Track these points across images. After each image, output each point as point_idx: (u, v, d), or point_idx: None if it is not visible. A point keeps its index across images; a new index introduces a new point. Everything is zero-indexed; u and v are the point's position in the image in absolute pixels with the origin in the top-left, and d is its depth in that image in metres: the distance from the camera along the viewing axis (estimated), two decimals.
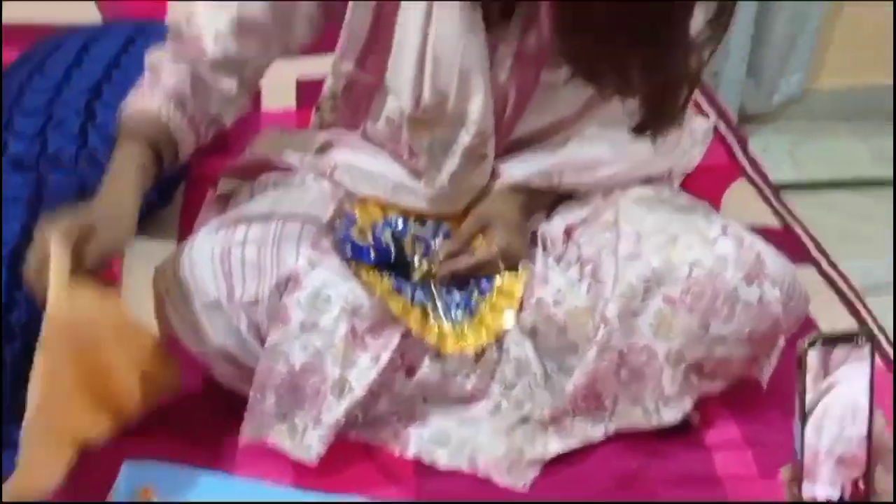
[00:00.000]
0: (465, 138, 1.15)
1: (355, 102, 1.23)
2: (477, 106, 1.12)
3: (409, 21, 1.10)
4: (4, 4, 1.65)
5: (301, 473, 1.05)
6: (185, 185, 1.45)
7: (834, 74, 2.64)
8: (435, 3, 1.08)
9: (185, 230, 1.35)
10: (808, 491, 0.72)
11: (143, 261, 1.23)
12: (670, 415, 1.09)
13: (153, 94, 1.14)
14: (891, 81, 2.61)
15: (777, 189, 1.62)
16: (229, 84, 1.18)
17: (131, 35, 1.47)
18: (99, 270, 1.02)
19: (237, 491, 1.03)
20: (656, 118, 1.08)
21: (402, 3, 1.10)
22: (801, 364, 0.71)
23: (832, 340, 0.72)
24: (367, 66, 1.18)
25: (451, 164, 1.17)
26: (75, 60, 1.39)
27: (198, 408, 1.12)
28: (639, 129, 1.10)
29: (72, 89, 1.35)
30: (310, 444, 1.04)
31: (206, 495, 1.01)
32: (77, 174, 1.28)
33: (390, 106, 1.16)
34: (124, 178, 1.10)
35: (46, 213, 1.16)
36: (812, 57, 2.54)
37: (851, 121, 2.66)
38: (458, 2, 1.07)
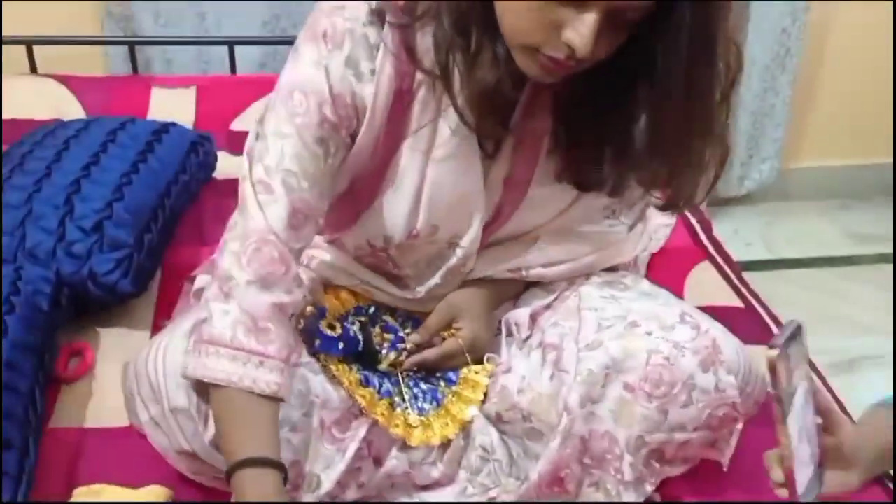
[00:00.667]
0: (452, 261, 1.18)
1: (338, 218, 1.21)
2: (470, 236, 1.16)
3: (409, 161, 1.10)
4: None
5: None
6: (161, 275, 1.48)
7: (805, 157, 2.72)
8: (436, 143, 1.08)
9: (159, 321, 1.38)
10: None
11: (116, 350, 1.25)
12: (631, 498, 1.11)
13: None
14: (860, 161, 2.69)
15: (739, 270, 1.66)
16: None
17: (113, 130, 1.52)
18: None
19: None
20: (676, 203, 1.12)
21: (405, 143, 1.08)
22: (774, 373, 0.82)
23: (787, 343, 0.84)
24: (358, 187, 1.14)
25: (433, 280, 1.21)
26: (55, 157, 1.44)
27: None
28: (662, 209, 1.15)
29: (52, 185, 1.39)
30: None
31: None
32: (54, 267, 1.31)
33: (374, 231, 1.15)
34: None
35: (22, 306, 1.19)
36: (784, 144, 2.61)
37: (821, 200, 2.73)
38: (456, 141, 1.07)
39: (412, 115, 1.07)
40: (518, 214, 1.18)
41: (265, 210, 1.03)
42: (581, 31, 0.91)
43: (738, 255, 1.77)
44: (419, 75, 1.04)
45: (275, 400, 1.01)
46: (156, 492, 1.10)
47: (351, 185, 1.14)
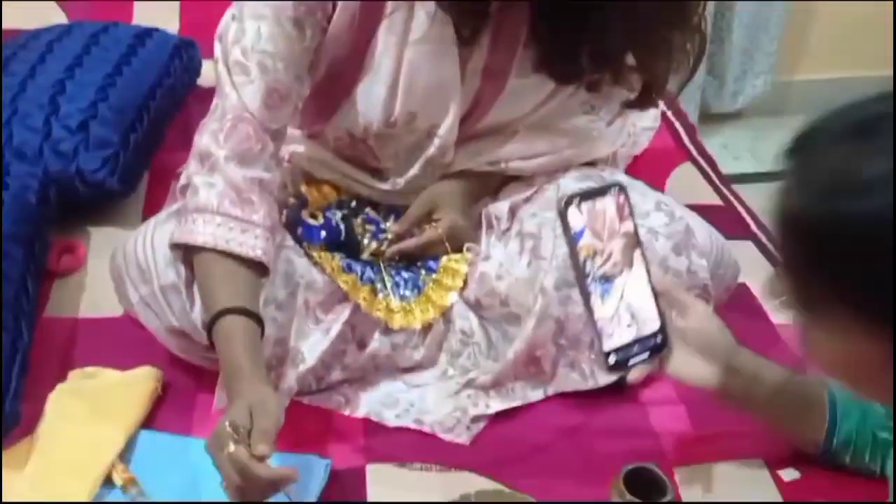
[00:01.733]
0: (430, 150, 1.20)
1: (318, 109, 1.24)
2: (447, 124, 1.17)
3: (385, 46, 1.11)
4: None
5: None
6: (149, 177, 1.50)
7: (799, 71, 2.70)
8: (412, 28, 1.09)
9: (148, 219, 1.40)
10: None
11: (107, 247, 1.28)
12: (605, 377, 1.14)
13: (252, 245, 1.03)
14: (853, 74, 2.68)
15: (720, 172, 1.68)
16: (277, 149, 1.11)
17: (95, 34, 1.53)
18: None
19: (201, 451, 1.06)
20: (646, 99, 1.15)
21: (381, 27, 1.10)
22: (563, 221, 0.85)
23: (589, 196, 0.86)
24: (337, 78, 1.16)
25: (413, 170, 1.23)
26: (39, 59, 1.45)
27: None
28: (629, 106, 1.18)
29: (36, 86, 1.40)
30: None
31: (174, 458, 1.06)
32: (41, 165, 1.33)
33: (353, 120, 1.17)
34: (253, 374, 0.98)
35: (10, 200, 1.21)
36: (777, 59, 2.59)
37: (811, 114, 2.73)
38: (433, 27, 1.08)
39: None
40: (497, 106, 1.20)
41: (241, 90, 1.06)
42: None
43: (725, 168, 1.78)
44: None
45: (258, 268, 1.04)
46: (147, 373, 1.14)
47: (329, 72, 1.15)
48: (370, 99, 1.14)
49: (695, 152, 1.72)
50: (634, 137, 1.57)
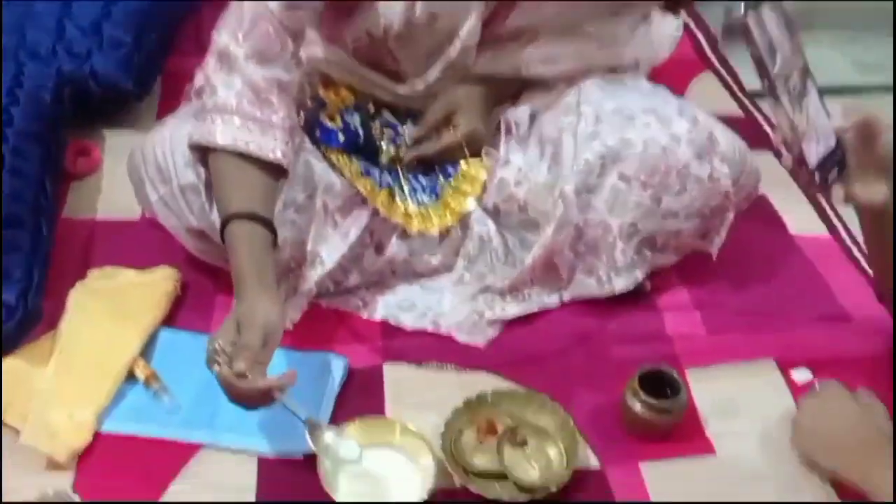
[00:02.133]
0: (451, 53, 1.17)
1: (337, 10, 1.20)
2: (468, 25, 1.14)
3: None
4: None
5: None
6: (162, 81, 1.49)
7: None
8: None
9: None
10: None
11: (123, 150, 1.27)
12: (621, 284, 1.15)
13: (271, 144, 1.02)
14: None
15: (741, 83, 1.66)
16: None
17: None
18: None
19: None
20: None
21: None
22: (747, 34, 0.82)
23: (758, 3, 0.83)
24: None
25: (433, 74, 1.20)
26: None
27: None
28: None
29: None
30: (287, 311, 1.10)
31: (193, 355, 1.06)
32: (55, 65, 1.32)
33: (374, 21, 1.16)
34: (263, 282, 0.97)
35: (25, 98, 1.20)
36: None
37: (833, 30, 2.68)
38: None
39: None
40: (521, 9, 1.17)
41: None
42: None
43: (750, 84, 1.75)
44: None
45: (277, 170, 1.04)
46: (165, 273, 1.15)
47: None
48: (390, 3, 1.12)
49: (716, 62, 1.69)
50: (657, 45, 1.54)
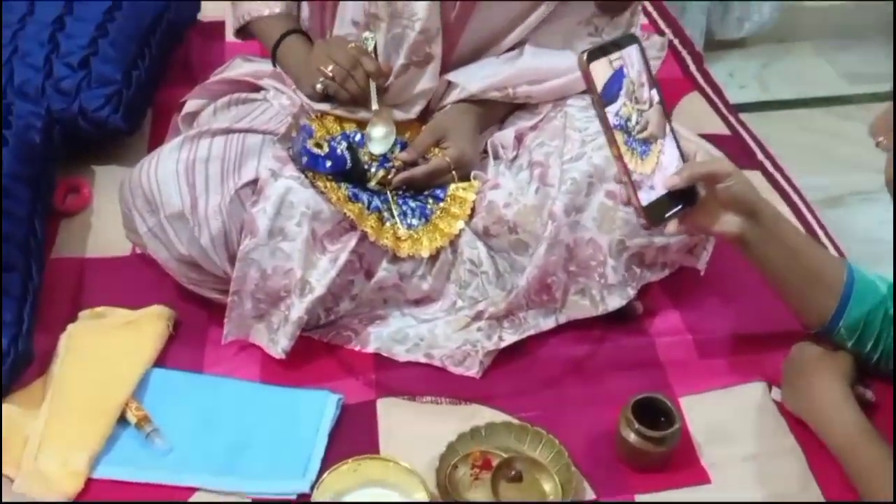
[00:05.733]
0: (410, 36, 1.19)
1: (322, 4, 1.26)
2: (423, 3, 1.16)
3: None
4: None
5: (268, 369, 1.12)
6: (152, 114, 1.49)
7: None
8: None
9: None
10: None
11: (112, 187, 1.27)
12: (615, 302, 1.15)
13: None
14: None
15: (727, 101, 1.66)
16: None
17: None
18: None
19: (213, 387, 1.09)
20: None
21: None
22: (587, 78, 0.89)
23: (604, 50, 0.90)
24: None
25: (399, 62, 1.21)
26: None
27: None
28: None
29: (36, 22, 1.38)
30: (279, 340, 1.11)
31: (186, 395, 1.07)
32: (44, 104, 1.32)
33: (354, 6, 1.20)
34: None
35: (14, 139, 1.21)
36: None
37: (819, 40, 2.69)
38: None
39: None
40: (484, 4, 1.19)
41: None
42: None
43: (732, 97, 1.76)
44: None
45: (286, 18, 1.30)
46: (157, 312, 1.15)
47: None
48: None
49: (702, 81, 1.70)
50: None
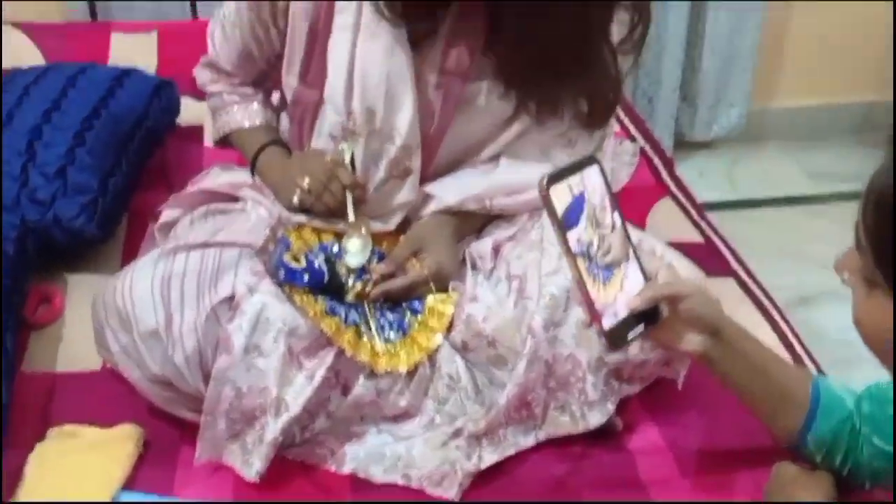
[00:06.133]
0: (391, 150, 1.21)
1: (301, 118, 1.28)
2: (404, 120, 1.19)
3: (338, 41, 1.18)
4: None
5: (241, 492, 1.08)
6: (127, 220, 1.49)
7: (772, 99, 2.73)
8: (362, 24, 1.17)
9: (127, 264, 1.38)
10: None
11: (85, 296, 1.26)
12: (595, 418, 1.14)
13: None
14: (825, 101, 2.72)
15: (701, 207, 1.69)
16: None
17: (72, 76, 1.51)
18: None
19: None
20: (590, 120, 1.25)
21: (334, 23, 1.18)
22: (547, 204, 0.90)
23: (563, 174, 0.91)
24: (309, 80, 1.24)
25: (378, 175, 1.23)
26: (16, 103, 1.43)
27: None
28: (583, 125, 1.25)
29: (13, 132, 1.38)
30: (253, 462, 1.08)
31: None
32: (19, 214, 1.31)
33: (331, 120, 1.22)
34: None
35: None
36: (752, 87, 2.62)
37: (785, 141, 2.77)
38: (384, 23, 1.15)
39: None
40: (461, 118, 1.22)
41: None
42: None
43: (702, 196, 1.80)
44: None
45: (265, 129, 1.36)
46: (127, 431, 1.12)
47: (302, 75, 1.24)
48: (333, 95, 1.20)
49: (674, 187, 1.73)
50: (615, 173, 1.58)
